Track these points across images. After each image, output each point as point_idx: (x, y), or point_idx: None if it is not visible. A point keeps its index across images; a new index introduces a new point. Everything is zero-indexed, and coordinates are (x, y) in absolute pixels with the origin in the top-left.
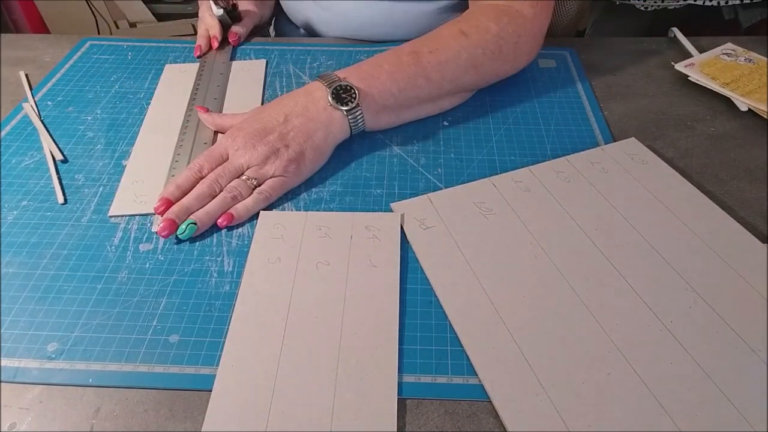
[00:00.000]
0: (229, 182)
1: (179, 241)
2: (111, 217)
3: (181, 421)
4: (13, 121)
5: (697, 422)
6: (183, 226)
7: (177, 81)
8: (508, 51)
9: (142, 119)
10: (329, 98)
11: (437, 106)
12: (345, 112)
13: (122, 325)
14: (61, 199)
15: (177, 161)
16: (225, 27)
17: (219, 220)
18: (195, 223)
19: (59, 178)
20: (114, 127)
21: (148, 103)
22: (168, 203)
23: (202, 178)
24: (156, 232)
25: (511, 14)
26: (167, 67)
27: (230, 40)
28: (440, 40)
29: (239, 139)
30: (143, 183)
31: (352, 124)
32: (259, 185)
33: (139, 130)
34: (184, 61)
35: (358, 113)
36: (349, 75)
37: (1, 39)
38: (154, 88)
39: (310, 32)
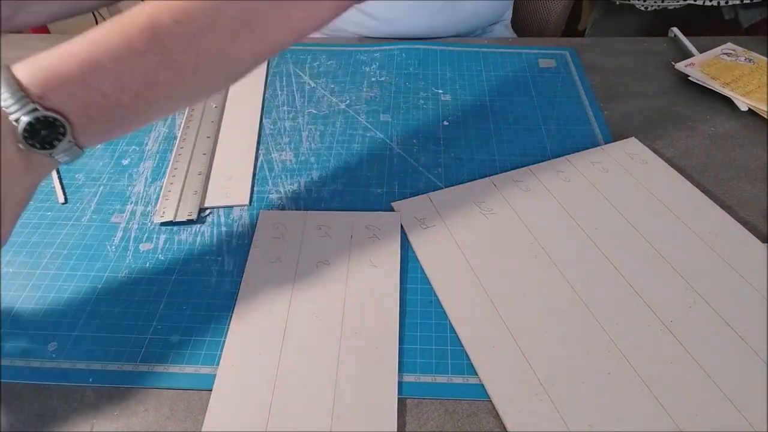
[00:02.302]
0: None
1: (179, 241)
2: (111, 216)
3: (181, 420)
4: None
5: (697, 422)
6: None
7: None
8: None
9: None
10: (21, 138)
11: (192, 96)
12: (53, 156)
13: (122, 325)
14: (61, 199)
15: (178, 161)
16: None
17: None
18: None
19: (59, 178)
20: None
21: None
22: None
23: None
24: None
25: None
26: None
27: None
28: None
29: None
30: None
31: (61, 160)
32: None
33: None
34: None
35: (72, 148)
36: (49, 90)
37: (1, 39)
38: None
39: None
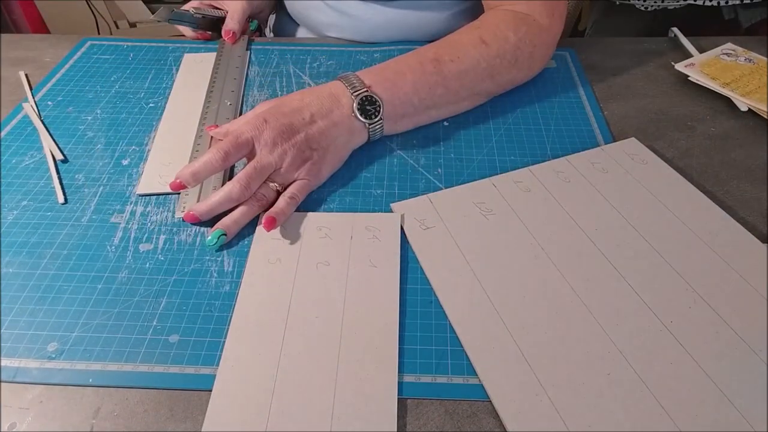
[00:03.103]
0: (259, 186)
1: (179, 242)
2: (111, 217)
3: (181, 421)
4: (14, 121)
5: (697, 422)
6: (213, 238)
7: (196, 71)
8: (524, 60)
9: (163, 109)
10: (354, 108)
11: (449, 111)
12: (367, 125)
13: (122, 325)
14: (61, 199)
15: (197, 151)
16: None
17: (264, 224)
18: (225, 234)
19: (59, 178)
20: (114, 127)
21: (148, 103)
22: (180, 187)
23: (225, 164)
24: (182, 218)
25: (529, 23)
26: (186, 56)
27: (226, 39)
28: (461, 48)
29: (267, 133)
30: (169, 166)
31: (371, 134)
32: (282, 188)
33: (155, 123)
34: (183, 61)
35: (378, 126)
36: (374, 83)
37: (1, 39)
38: (155, 88)
39: (317, 35)
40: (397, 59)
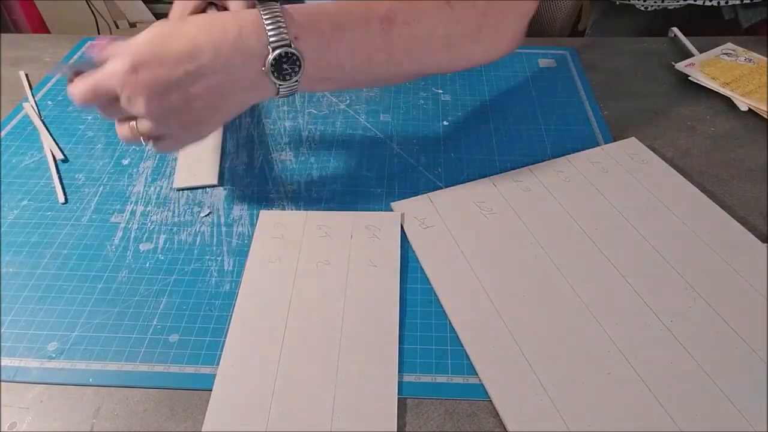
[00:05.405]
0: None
1: (179, 241)
2: (111, 216)
3: (181, 420)
4: (14, 120)
5: (697, 422)
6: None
7: None
8: (489, 32)
9: None
10: (268, 63)
11: (383, 82)
12: (277, 85)
13: (122, 325)
14: (61, 199)
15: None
16: None
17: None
18: None
19: (60, 178)
20: (114, 127)
21: None
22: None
23: (82, 105)
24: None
25: None
26: None
27: None
28: (419, 8)
29: (132, 88)
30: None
31: (281, 95)
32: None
33: None
34: None
35: (293, 86)
36: (303, 35)
37: (1, 39)
38: None
39: None
40: (342, 8)
